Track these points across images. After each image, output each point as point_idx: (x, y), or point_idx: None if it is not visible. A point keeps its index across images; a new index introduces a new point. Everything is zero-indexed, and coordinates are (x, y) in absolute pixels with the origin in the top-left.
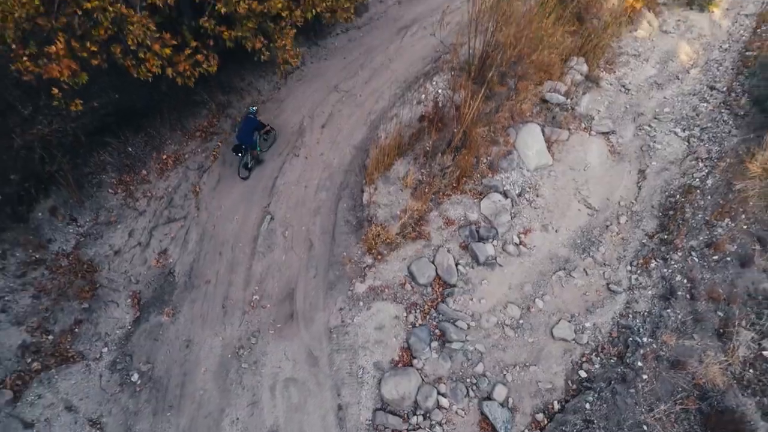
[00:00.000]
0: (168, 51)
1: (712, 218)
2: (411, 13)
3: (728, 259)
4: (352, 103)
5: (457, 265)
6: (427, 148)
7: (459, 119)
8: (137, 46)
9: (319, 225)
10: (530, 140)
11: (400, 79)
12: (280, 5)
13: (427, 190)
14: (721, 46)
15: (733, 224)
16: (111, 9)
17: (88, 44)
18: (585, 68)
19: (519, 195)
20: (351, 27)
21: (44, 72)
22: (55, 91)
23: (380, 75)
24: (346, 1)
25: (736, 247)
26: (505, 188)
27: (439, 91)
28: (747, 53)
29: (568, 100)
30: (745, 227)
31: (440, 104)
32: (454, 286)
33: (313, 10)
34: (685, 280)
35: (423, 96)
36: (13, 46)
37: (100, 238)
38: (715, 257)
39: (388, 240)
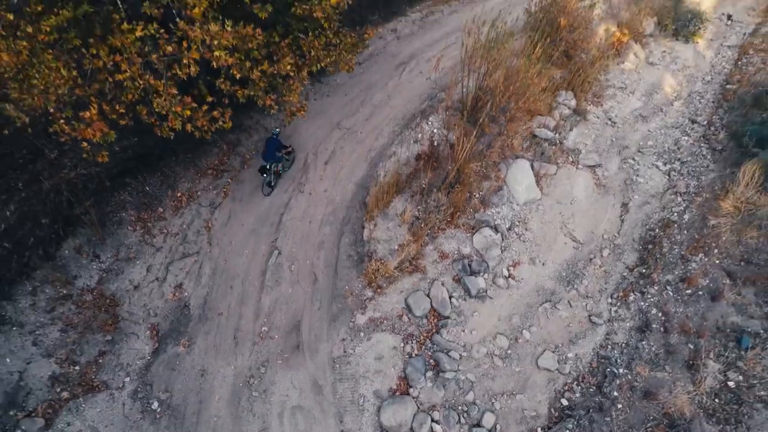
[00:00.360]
0: (188, 112)
1: (688, 253)
2: (409, 48)
3: (700, 293)
4: (354, 140)
5: (450, 297)
6: (423, 186)
7: (453, 157)
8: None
9: (323, 259)
10: (520, 175)
11: (399, 116)
12: (288, 66)
13: (423, 225)
14: (703, 78)
15: (706, 259)
16: (140, 80)
17: (117, 107)
18: (573, 102)
19: (509, 229)
20: None
21: (79, 134)
22: (85, 145)
23: (380, 112)
24: (348, 54)
25: (707, 281)
26: (495, 223)
27: (435, 130)
28: (728, 86)
29: (557, 134)
30: (717, 262)
31: (435, 143)
32: (448, 317)
33: (318, 65)
34: (660, 314)
35: (419, 135)
36: (51, 110)
37: (121, 273)
38: (688, 291)
39: (386, 274)
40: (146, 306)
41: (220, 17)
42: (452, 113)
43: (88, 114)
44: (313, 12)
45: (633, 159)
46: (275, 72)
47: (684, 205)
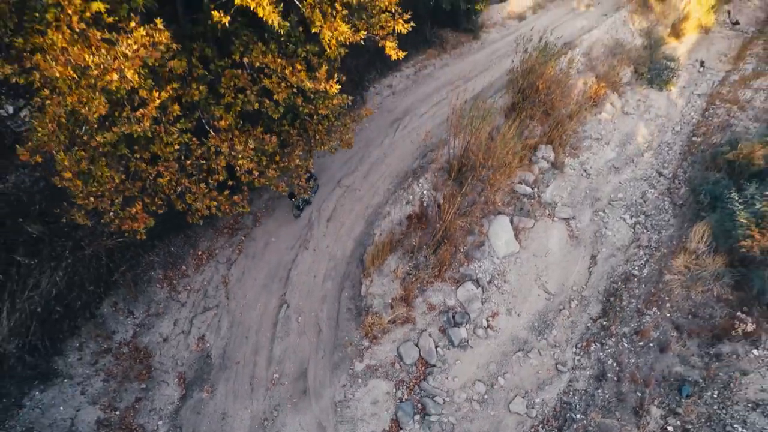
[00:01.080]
0: (215, 203)
1: (643, 306)
2: (403, 103)
3: (651, 344)
4: (353, 198)
5: (436, 347)
6: (414, 244)
7: (441, 216)
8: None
9: (326, 311)
10: (500, 231)
11: (393, 173)
12: (297, 160)
13: (414, 281)
14: (673, 128)
15: (659, 312)
16: (177, 184)
17: (156, 200)
18: (552, 156)
19: (489, 282)
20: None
21: (127, 226)
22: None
23: (377, 169)
24: (348, 134)
25: (658, 333)
26: (477, 276)
27: (424, 191)
28: (693, 138)
29: (536, 188)
30: (668, 315)
31: (425, 204)
32: (434, 365)
33: (322, 147)
34: (615, 364)
35: (411, 196)
36: (101, 207)
37: (152, 327)
38: (641, 343)
39: (381, 327)
40: (174, 356)
41: (241, 123)
42: (440, 174)
43: (134, 210)
44: (319, 110)
45: (604, 211)
46: (285, 165)
47: (645, 258)
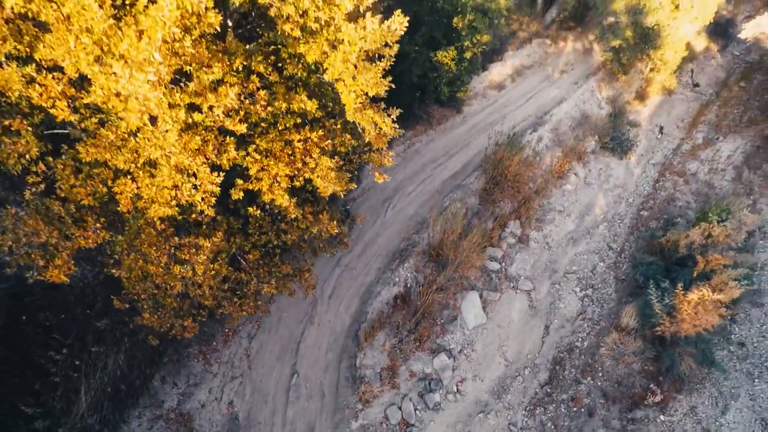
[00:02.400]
0: (244, 311)
1: (580, 375)
2: (393, 182)
3: (582, 410)
4: (350, 276)
5: (415, 410)
6: (399, 322)
7: (422, 295)
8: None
9: (328, 379)
10: (470, 305)
11: (384, 252)
12: (307, 275)
13: (398, 353)
14: (627, 200)
15: (592, 381)
16: (219, 306)
17: (201, 312)
18: (519, 231)
19: (460, 352)
20: (349, 200)
21: (179, 334)
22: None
23: (369, 249)
24: (344, 238)
25: (589, 400)
26: (450, 347)
27: (408, 274)
28: (642, 212)
29: (503, 263)
30: (599, 384)
31: (408, 286)
32: (413, 425)
33: (325, 254)
34: (553, 426)
35: (397, 278)
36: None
37: (192, 395)
38: (575, 409)
39: (372, 393)
40: (210, 419)
41: (263, 254)
42: (421, 258)
43: (185, 322)
44: (322, 234)
45: (559, 284)
46: (289, 273)
47: (587, 331)
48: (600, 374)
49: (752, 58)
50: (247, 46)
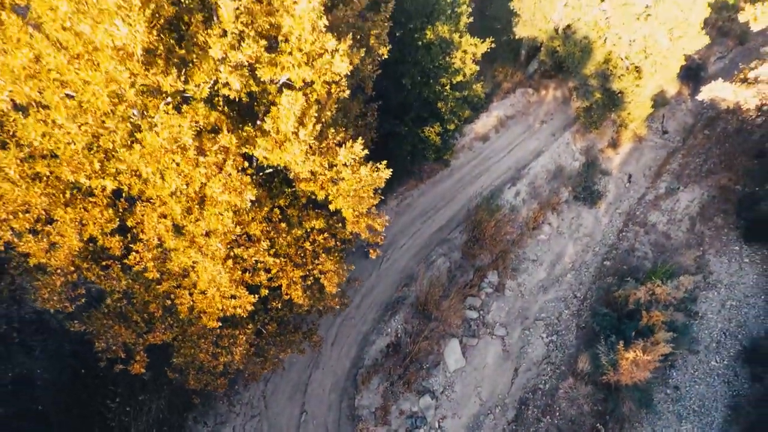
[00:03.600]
0: (264, 370)
1: (541, 415)
2: (388, 236)
3: None
4: (349, 325)
5: None
6: (391, 367)
7: (410, 344)
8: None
9: (332, 417)
10: (451, 351)
11: (378, 303)
12: (315, 336)
13: (390, 394)
14: (594, 249)
15: (550, 420)
16: (245, 369)
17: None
18: (496, 280)
19: (441, 392)
20: (348, 251)
21: (213, 388)
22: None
23: (366, 300)
24: (344, 300)
25: None
26: (434, 389)
27: (399, 326)
28: (605, 262)
29: (481, 312)
30: (556, 422)
31: (399, 335)
32: None
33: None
34: None
35: (389, 329)
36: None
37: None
38: None
39: (368, 430)
40: None
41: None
42: (410, 309)
43: (220, 381)
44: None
45: (529, 329)
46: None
47: (550, 374)
48: (557, 414)
49: (716, 106)
50: (272, 193)
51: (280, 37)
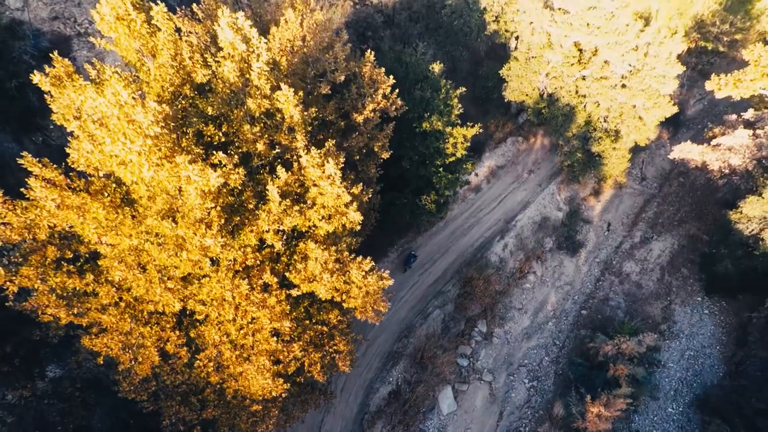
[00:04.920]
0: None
1: None
2: (390, 288)
3: None
4: (356, 373)
5: None
6: (392, 412)
7: (409, 392)
8: None
9: None
10: (445, 396)
11: (381, 352)
12: (329, 394)
13: None
14: (573, 297)
15: None
16: None
17: None
18: (485, 329)
19: None
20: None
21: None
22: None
23: (371, 349)
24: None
25: None
26: (429, 431)
27: (400, 375)
28: (582, 311)
29: (471, 359)
30: None
31: (399, 384)
32: None
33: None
34: None
35: (390, 378)
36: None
37: None
38: None
39: None
40: None
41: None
42: (408, 359)
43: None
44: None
45: (514, 375)
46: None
47: (530, 417)
48: None
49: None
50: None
51: (308, 199)
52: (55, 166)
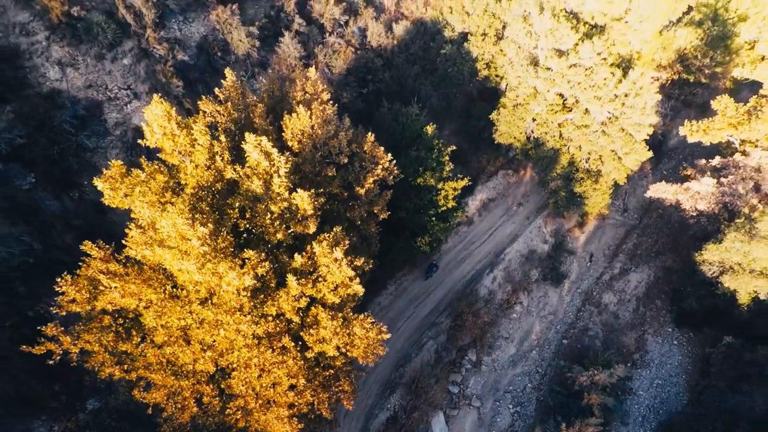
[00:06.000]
0: None
1: None
2: (386, 319)
3: None
4: (357, 400)
5: None
6: None
7: (406, 417)
8: None
9: None
10: (437, 422)
11: (380, 380)
12: (335, 425)
13: None
14: (556, 327)
15: None
16: None
17: None
18: (475, 357)
19: None
20: None
21: None
22: None
23: (371, 377)
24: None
25: None
26: None
27: (397, 402)
28: (563, 340)
29: (461, 386)
30: None
31: (396, 411)
32: None
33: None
34: None
35: (389, 405)
36: None
37: None
38: None
39: None
40: None
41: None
42: (405, 387)
43: None
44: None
45: (500, 401)
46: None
47: None
48: None
49: (662, 201)
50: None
51: (318, 274)
52: (106, 246)
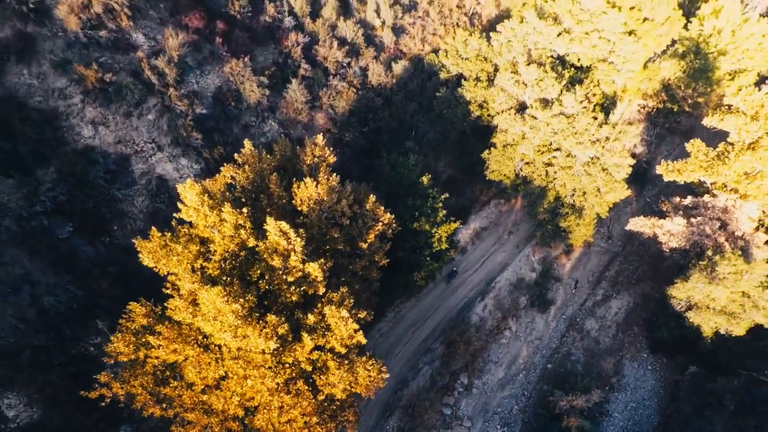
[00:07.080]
0: None
1: None
2: (386, 345)
3: None
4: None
5: None
6: None
7: None
8: None
9: None
10: None
11: (380, 402)
12: None
13: None
14: (541, 351)
15: None
16: None
17: None
18: (467, 380)
19: None
20: None
21: None
22: None
23: (372, 400)
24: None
25: None
26: None
27: (394, 424)
28: (548, 365)
29: (454, 407)
30: None
31: None
32: None
33: None
34: None
35: (388, 427)
36: None
37: None
38: None
39: None
40: None
41: None
42: (403, 411)
43: None
44: None
45: (489, 422)
46: None
47: None
48: None
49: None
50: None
51: (327, 327)
52: (151, 306)
